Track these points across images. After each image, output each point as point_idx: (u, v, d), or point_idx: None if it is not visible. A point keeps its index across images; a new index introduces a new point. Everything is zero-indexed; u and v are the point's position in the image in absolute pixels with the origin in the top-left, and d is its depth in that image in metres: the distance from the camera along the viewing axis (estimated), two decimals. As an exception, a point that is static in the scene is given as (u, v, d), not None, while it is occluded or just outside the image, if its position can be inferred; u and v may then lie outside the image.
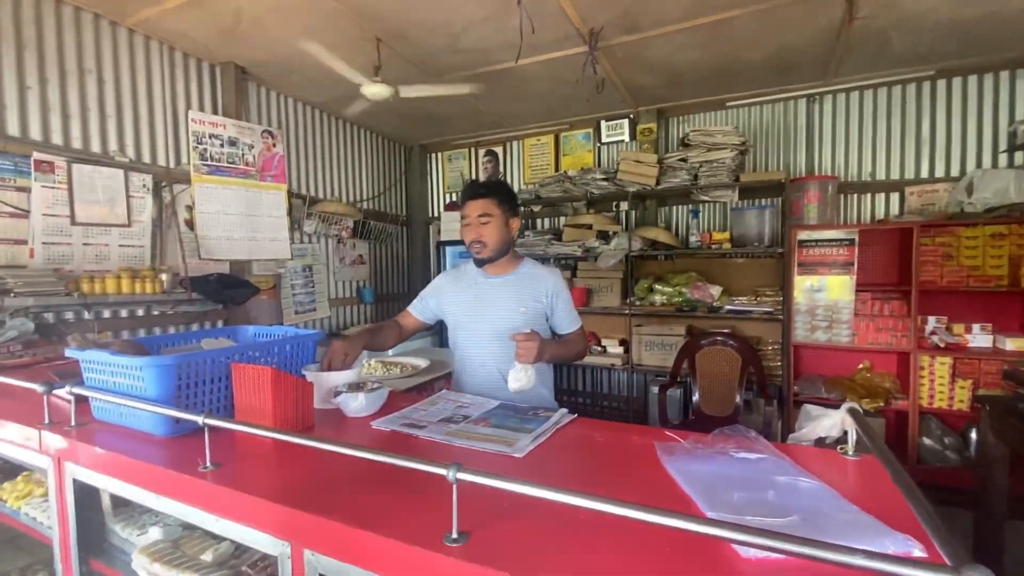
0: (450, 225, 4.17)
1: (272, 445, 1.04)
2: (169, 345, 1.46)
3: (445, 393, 1.43)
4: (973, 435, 2.87)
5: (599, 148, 4.14)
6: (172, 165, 2.88)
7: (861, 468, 0.89)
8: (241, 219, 3.15)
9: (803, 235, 3.14)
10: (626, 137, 3.96)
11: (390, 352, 3.80)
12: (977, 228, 2.83)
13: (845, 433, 0.93)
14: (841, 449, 0.93)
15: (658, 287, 3.58)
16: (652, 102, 3.74)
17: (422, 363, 2.66)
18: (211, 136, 3.02)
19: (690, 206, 3.76)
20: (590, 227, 3.75)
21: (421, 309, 1.76)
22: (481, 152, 4.63)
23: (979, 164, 3.04)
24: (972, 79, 3.03)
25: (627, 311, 3.56)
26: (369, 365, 2.61)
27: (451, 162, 4.80)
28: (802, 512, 0.69)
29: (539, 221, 4.38)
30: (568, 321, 1.69)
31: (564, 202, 3.97)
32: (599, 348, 3.75)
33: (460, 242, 4.11)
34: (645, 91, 3.51)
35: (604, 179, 3.60)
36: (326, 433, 1.17)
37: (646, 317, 3.66)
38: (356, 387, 1.26)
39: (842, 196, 3.37)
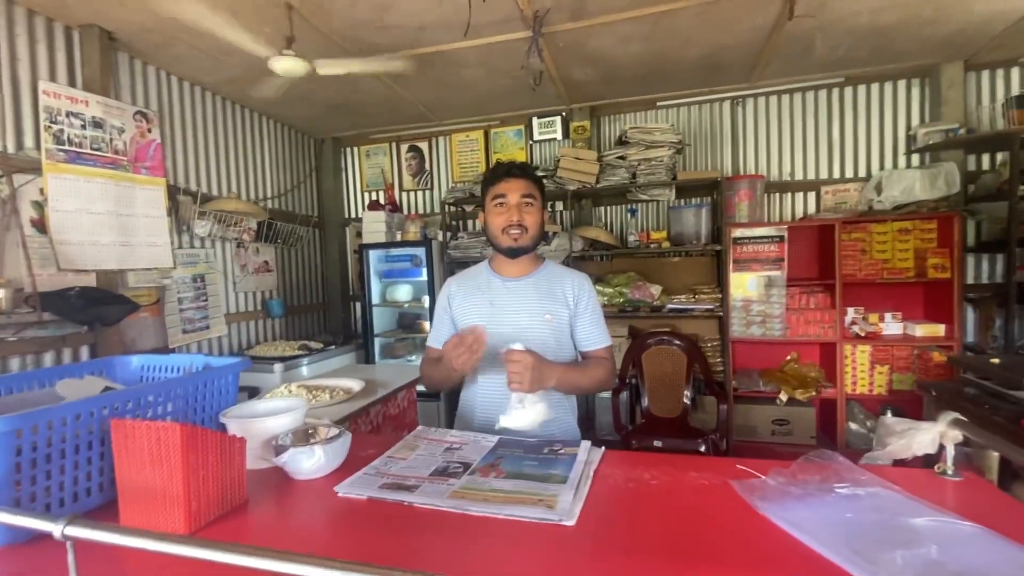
0: (373, 226, 3.75)
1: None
2: (6, 391, 0.99)
3: (422, 431, 1.12)
4: (888, 416, 3.09)
5: (531, 146, 3.97)
6: (12, 150, 2.21)
7: (972, 491, 0.75)
8: (110, 219, 2.52)
9: (737, 233, 3.21)
10: (559, 135, 3.84)
11: (305, 371, 3.33)
12: (886, 224, 3.06)
13: (942, 450, 0.79)
14: (938, 468, 0.79)
15: (599, 288, 3.47)
16: (586, 99, 3.65)
17: (355, 385, 2.25)
18: (70, 114, 2.37)
19: (628, 205, 3.72)
20: (529, 227, 3.55)
21: (446, 336, 1.38)
22: (404, 147, 4.25)
23: (883, 166, 3.31)
24: (875, 86, 3.29)
25: (571, 314, 3.41)
26: (289, 391, 2.16)
27: (369, 158, 4.37)
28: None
29: (471, 222, 4.11)
30: (594, 335, 1.37)
31: (499, 201, 3.73)
32: (542, 354, 3.56)
33: (386, 245, 3.81)
34: (581, 87, 3.40)
35: (543, 177, 3.42)
36: (268, 515, 0.81)
37: (588, 319, 3.54)
38: (305, 435, 0.92)
39: (767, 195, 3.51)
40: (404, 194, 4.32)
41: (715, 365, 3.32)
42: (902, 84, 3.24)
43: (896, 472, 0.81)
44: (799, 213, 3.49)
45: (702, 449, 2.57)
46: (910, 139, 3.19)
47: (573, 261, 3.44)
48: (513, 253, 1.36)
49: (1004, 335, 2.80)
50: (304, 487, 0.88)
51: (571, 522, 0.70)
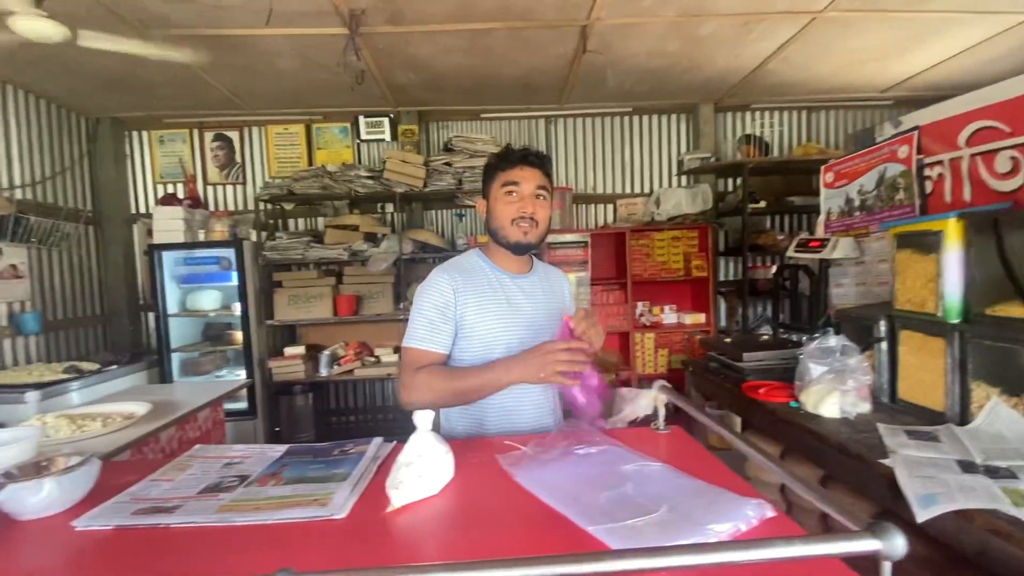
0: (168, 224, 3.26)
1: None
2: None
3: (200, 449, 1.03)
4: (670, 391, 3.76)
5: (359, 145, 3.86)
6: None
7: (675, 440, 0.98)
8: None
9: (551, 238, 3.57)
10: (387, 137, 3.81)
11: (75, 398, 2.75)
12: (664, 232, 3.70)
13: (655, 410, 1.01)
14: (653, 425, 1.01)
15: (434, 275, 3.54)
16: (413, 104, 3.69)
17: (140, 409, 1.94)
18: None
19: (456, 210, 3.85)
20: (356, 228, 3.46)
21: (447, 337, 1.20)
22: (209, 136, 3.78)
23: (661, 184, 4.00)
24: (655, 117, 3.96)
25: (401, 317, 3.41)
26: (43, 422, 1.77)
27: (164, 144, 3.78)
28: (665, 501, 0.69)
29: (293, 221, 3.83)
30: None
31: (324, 200, 3.56)
32: (372, 359, 3.49)
33: (186, 245, 3.32)
34: (406, 91, 3.43)
35: (369, 177, 3.37)
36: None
37: (419, 321, 3.58)
38: (36, 469, 0.79)
39: (575, 206, 3.97)
40: (210, 188, 3.84)
41: (536, 358, 3.64)
42: (674, 117, 3.96)
43: (627, 432, 1.02)
44: (600, 222, 4.02)
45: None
46: (679, 163, 3.92)
47: (403, 263, 3.45)
48: (520, 248, 1.25)
49: (743, 320, 3.62)
50: (33, 527, 0.76)
51: (342, 515, 0.73)
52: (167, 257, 3.34)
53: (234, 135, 3.80)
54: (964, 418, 1.31)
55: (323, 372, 3.40)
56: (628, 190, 4.02)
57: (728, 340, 2.21)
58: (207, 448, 1.03)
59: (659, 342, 3.70)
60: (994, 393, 1.25)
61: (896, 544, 0.39)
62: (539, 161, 1.26)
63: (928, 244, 1.40)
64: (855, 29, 2.71)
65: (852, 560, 0.50)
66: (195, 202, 3.58)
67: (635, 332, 3.64)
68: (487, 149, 3.41)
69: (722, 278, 3.96)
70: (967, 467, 1.09)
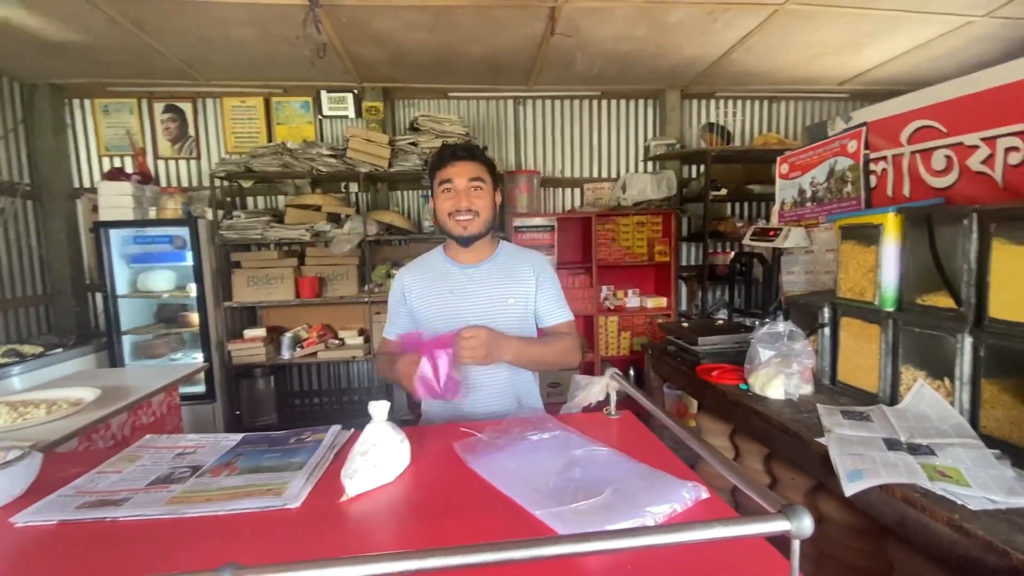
0: (116, 200, 3.10)
1: None
2: None
3: (150, 439, 1.01)
4: (631, 372, 3.87)
5: (321, 121, 3.74)
6: None
7: (624, 424, 1.02)
8: None
9: (518, 222, 3.58)
10: (351, 113, 3.70)
11: (17, 383, 2.62)
12: (629, 218, 3.76)
13: (607, 396, 1.05)
14: (605, 411, 1.05)
15: (396, 273, 3.50)
16: (378, 80, 3.58)
17: (88, 394, 1.87)
18: None
19: (422, 191, 3.80)
20: (319, 209, 3.37)
21: (403, 329, 1.39)
22: (159, 107, 3.58)
23: (628, 169, 4.04)
24: (623, 102, 3.97)
25: (366, 299, 3.38)
26: (-20, 411, 1.68)
27: (109, 115, 3.56)
28: (610, 483, 0.73)
29: (252, 200, 3.69)
30: (554, 308, 1.37)
31: (284, 179, 3.45)
32: (336, 341, 3.45)
33: (130, 223, 3.15)
34: (370, 66, 3.32)
35: (332, 156, 3.27)
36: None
37: (386, 305, 3.54)
38: (-32, 463, 0.76)
39: (542, 189, 3.97)
40: (161, 163, 3.66)
41: (501, 341, 3.67)
42: (641, 103, 3.98)
43: (581, 417, 1.06)
44: (567, 206, 4.04)
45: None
46: (646, 149, 3.96)
47: (368, 245, 3.39)
48: (464, 241, 1.31)
49: (702, 304, 3.74)
50: (-33, 526, 0.73)
51: (296, 504, 0.74)
52: (115, 235, 3.17)
53: (186, 107, 3.61)
54: (894, 399, 1.41)
55: (285, 355, 3.34)
56: (595, 174, 4.04)
57: (685, 324, 2.29)
58: (158, 438, 1.01)
59: (622, 325, 3.78)
60: (920, 376, 1.35)
61: (804, 525, 0.43)
62: (469, 154, 1.30)
63: (869, 236, 1.48)
64: (814, 23, 2.78)
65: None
66: (144, 177, 3.40)
67: (599, 315, 3.71)
68: (454, 130, 3.36)
69: (684, 263, 4.06)
70: (892, 444, 1.19)
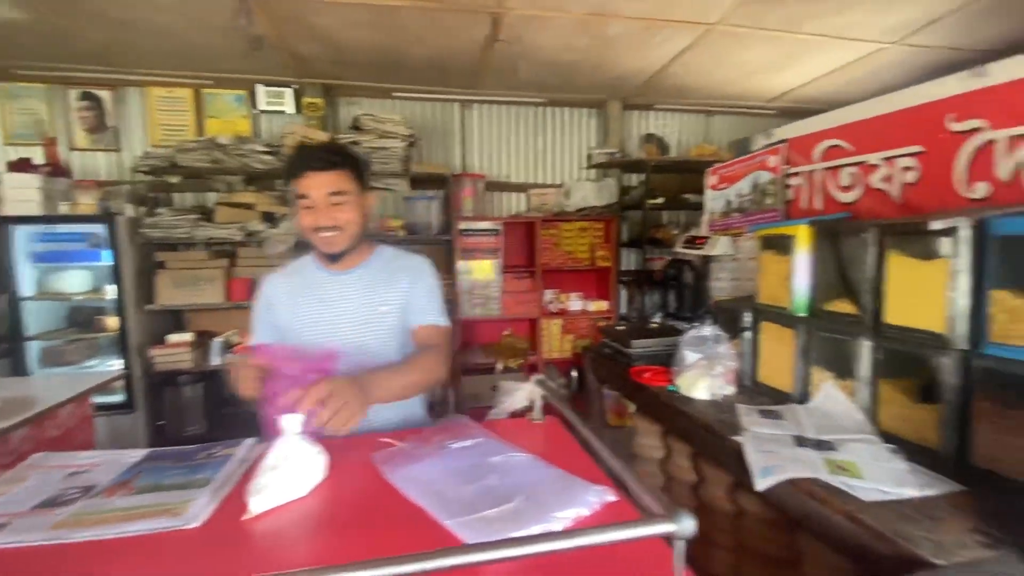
0: (21, 194, 2.83)
1: None
2: None
3: (42, 457, 0.92)
4: (574, 373, 3.94)
5: (256, 116, 3.58)
6: None
7: (548, 430, 1.04)
8: None
9: (463, 225, 3.57)
10: (290, 109, 3.56)
11: None
12: (572, 223, 3.83)
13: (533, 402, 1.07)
14: (529, 416, 1.07)
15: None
16: (318, 76, 3.47)
17: (-23, 408, 1.70)
18: None
19: (364, 191, 3.71)
20: (252, 207, 3.22)
21: (266, 337, 1.27)
22: (74, 93, 3.30)
23: (571, 176, 4.12)
24: (567, 110, 4.05)
25: (303, 302, 3.25)
26: None
27: (15, 100, 3.25)
28: (523, 490, 0.74)
29: (179, 196, 3.48)
30: (426, 308, 1.24)
31: (214, 175, 3.26)
32: (271, 346, 3.30)
33: (45, 219, 2.89)
34: (310, 62, 3.21)
35: (268, 153, 3.13)
36: None
37: (324, 307, 3.44)
38: None
39: (488, 193, 3.98)
40: (76, 154, 3.37)
41: (446, 344, 3.65)
42: (585, 112, 4.08)
43: (507, 423, 1.07)
44: (513, 210, 4.07)
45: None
46: (589, 157, 4.06)
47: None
48: (332, 258, 1.21)
49: (640, 308, 3.87)
50: None
51: (195, 524, 0.70)
52: (19, 232, 2.90)
53: (105, 95, 3.35)
54: (805, 398, 1.51)
55: (215, 360, 3.16)
56: (540, 180, 4.10)
57: (620, 328, 2.36)
58: (50, 456, 0.93)
59: (565, 328, 3.85)
60: (829, 377, 1.45)
61: (686, 526, 0.46)
62: (327, 163, 1.13)
63: (784, 246, 1.59)
64: (743, 43, 2.95)
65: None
66: (56, 169, 3.13)
67: (543, 318, 3.76)
68: (398, 131, 3.31)
69: (624, 268, 4.18)
70: (800, 441, 1.27)
